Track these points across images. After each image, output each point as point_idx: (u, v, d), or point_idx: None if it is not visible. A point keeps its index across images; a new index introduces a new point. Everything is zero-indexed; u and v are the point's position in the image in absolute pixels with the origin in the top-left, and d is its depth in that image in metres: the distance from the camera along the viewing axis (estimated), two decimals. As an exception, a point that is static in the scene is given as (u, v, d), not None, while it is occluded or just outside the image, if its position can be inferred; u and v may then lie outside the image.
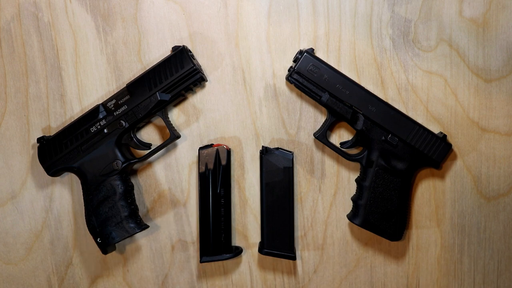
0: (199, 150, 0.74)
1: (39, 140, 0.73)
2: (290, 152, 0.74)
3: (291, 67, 0.71)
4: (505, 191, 0.75)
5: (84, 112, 0.73)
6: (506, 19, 0.72)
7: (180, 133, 0.74)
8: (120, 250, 0.78)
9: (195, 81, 0.70)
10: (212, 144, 0.74)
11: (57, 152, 0.72)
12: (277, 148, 0.74)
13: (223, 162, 0.74)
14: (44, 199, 0.77)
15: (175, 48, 0.71)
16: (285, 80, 0.74)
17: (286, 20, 0.73)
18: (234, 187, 0.76)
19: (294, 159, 0.74)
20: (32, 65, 0.75)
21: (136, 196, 0.75)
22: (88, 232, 0.74)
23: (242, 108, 0.75)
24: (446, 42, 0.72)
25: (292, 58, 0.72)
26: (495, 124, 0.74)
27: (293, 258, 0.74)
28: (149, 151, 0.74)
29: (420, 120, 0.73)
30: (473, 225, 0.76)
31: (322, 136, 0.72)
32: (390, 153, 0.71)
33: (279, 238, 0.74)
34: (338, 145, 0.74)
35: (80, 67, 0.75)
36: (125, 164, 0.72)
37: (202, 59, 0.74)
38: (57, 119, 0.76)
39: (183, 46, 0.71)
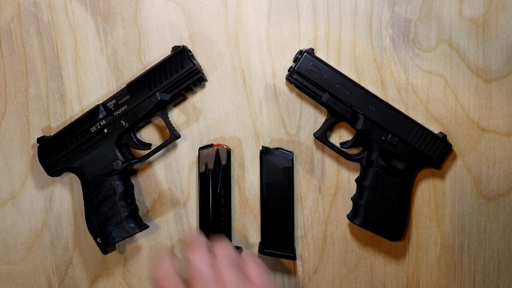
0: (199, 150, 0.74)
1: (39, 140, 0.73)
2: (290, 152, 0.74)
3: (291, 67, 0.71)
4: (505, 191, 0.75)
5: (84, 112, 0.73)
6: (506, 19, 0.72)
7: (180, 133, 0.74)
8: (120, 250, 0.78)
9: (195, 81, 0.70)
10: (212, 144, 0.74)
11: (57, 152, 0.72)
12: (277, 148, 0.74)
13: (223, 162, 0.74)
14: (44, 199, 0.77)
15: (175, 48, 0.71)
16: (285, 80, 0.74)
17: (286, 20, 0.73)
18: (234, 187, 0.76)
19: (294, 159, 0.74)
20: (32, 65, 0.75)
21: (136, 196, 0.75)
22: (88, 232, 0.74)
23: (242, 108, 0.75)
24: (446, 42, 0.72)
25: (292, 58, 0.72)
26: (495, 124, 0.74)
27: (293, 258, 0.74)
28: (149, 151, 0.74)
29: (420, 120, 0.73)
30: (473, 225, 0.76)
31: (322, 136, 0.72)
32: (390, 153, 0.71)
33: (279, 238, 0.74)
34: (338, 145, 0.74)
35: (80, 67, 0.75)
36: (125, 164, 0.72)
37: (202, 59, 0.74)
38: (57, 119, 0.76)
39: (183, 46, 0.71)
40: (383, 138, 0.71)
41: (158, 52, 0.74)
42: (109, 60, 0.74)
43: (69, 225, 0.78)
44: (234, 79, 0.74)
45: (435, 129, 0.73)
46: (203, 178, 0.74)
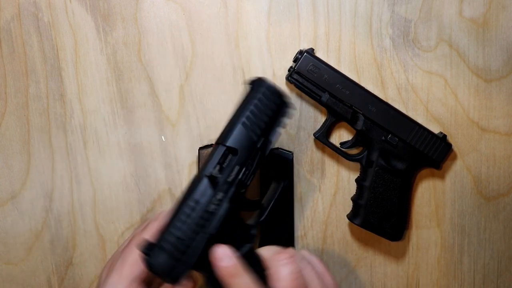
0: (199, 150, 0.74)
1: (145, 251, 0.54)
2: (290, 152, 0.74)
3: (291, 67, 0.71)
4: (505, 191, 0.75)
5: (184, 192, 0.58)
6: (506, 19, 0.72)
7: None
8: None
9: (286, 112, 0.61)
10: (212, 144, 0.74)
11: (176, 256, 0.55)
12: (277, 148, 0.74)
13: (223, 162, 0.74)
14: (44, 199, 0.77)
15: (254, 82, 0.60)
16: (285, 80, 0.74)
17: (286, 20, 0.73)
18: (234, 187, 0.76)
19: (294, 159, 0.74)
20: (32, 65, 0.75)
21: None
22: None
23: (242, 108, 0.75)
24: (446, 42, 0.72)
25: (292, 58, 0.72)
26: (495, 124, 0.74)
27: (293, 258, 0.74)
28: (266, 205, 0.62)
29: (420, 120, 0.73)
30: (473, 225, 0.76)
31: (322, 136, 0.72)
32: (390, 153, 0.71)
33: (279, 238, 0.74)
34: (338, 145, 0.74)
35: (80, 67, 0.75)
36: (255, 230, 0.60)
37: (202, 59, 0.74)
38: (57, 119, 0.76)
39: (262, 77, 0.60)
40: (383, 138, 0.71)
41: (158, 52, 0.74)
42: (109, 60, 0.74)
43: (69, 225, 0.78)
44: (234, 79, 0.74)
45: (435, 129, 0.73)
46: (203, 178, 0.74)
